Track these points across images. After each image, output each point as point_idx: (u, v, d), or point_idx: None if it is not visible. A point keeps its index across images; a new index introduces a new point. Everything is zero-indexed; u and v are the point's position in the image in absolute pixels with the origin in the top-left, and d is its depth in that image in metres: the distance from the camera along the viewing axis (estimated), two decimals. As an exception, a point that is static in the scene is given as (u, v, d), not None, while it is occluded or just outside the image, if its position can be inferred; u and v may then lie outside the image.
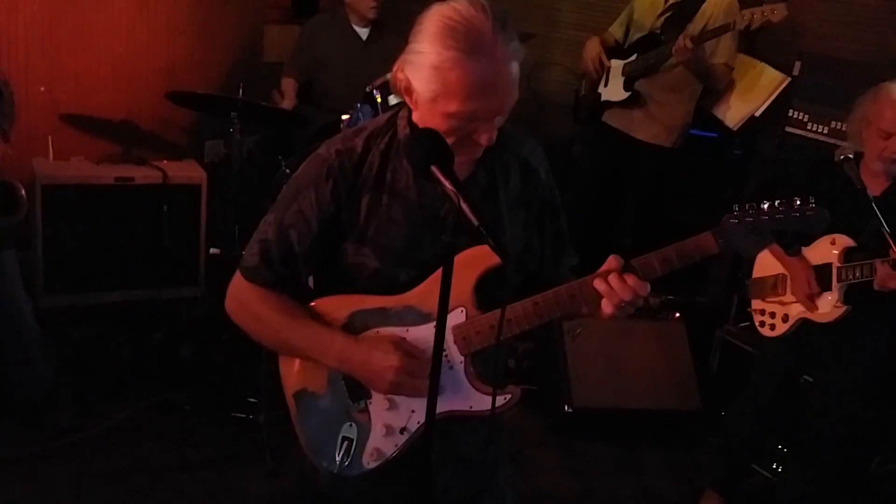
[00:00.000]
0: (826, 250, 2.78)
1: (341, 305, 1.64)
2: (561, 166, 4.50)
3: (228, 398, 3.34)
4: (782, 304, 2.91)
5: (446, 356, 1.58)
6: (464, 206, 1.36)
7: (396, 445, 1.63)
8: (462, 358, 1.60)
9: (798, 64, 3.60)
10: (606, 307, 1.51)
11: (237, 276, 1.68)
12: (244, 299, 1.66)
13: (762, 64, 3.91)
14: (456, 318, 1.57)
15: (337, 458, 1.65)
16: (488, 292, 1.57)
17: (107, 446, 3.14)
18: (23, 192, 2.86)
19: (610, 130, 4.01)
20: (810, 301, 2.78)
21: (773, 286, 2.95)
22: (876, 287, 2.54)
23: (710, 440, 3.48)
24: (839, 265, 2.73)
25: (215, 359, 3.59)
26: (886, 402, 3.11)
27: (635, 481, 3.44)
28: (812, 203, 1.47)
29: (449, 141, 1.46)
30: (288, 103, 4.14)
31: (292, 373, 1.71)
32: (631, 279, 1.49)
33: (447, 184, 1.39)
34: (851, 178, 2.66)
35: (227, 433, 3.25)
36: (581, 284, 1.54)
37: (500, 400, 1.57)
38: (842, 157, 2.70)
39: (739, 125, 3.91)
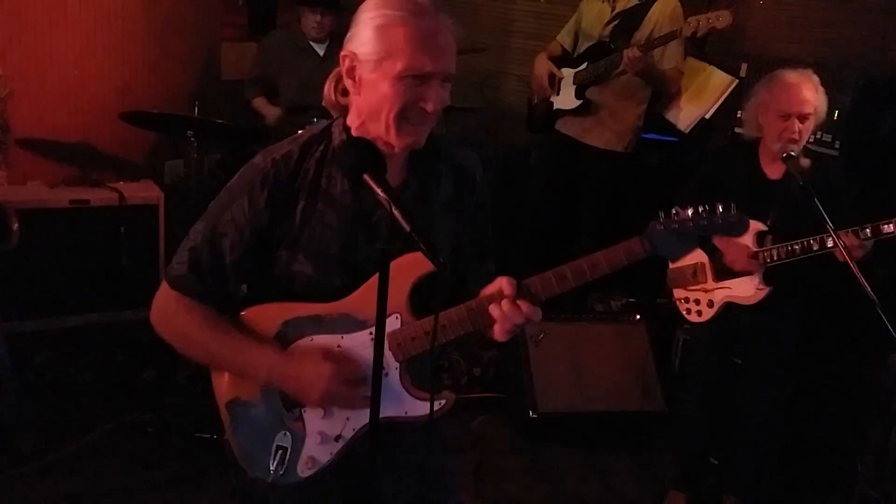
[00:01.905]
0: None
1: (274, 314, 1.64)
2: (518, 174, 4.58)
3: (192, 418, 3.32)
4: (705, 290, 3.02)
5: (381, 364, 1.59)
6: (396, 212, 1.38)
7: (331, 453, 1.64)
8: (397, 364, 1.62)
9: (744, 66, 3.68)
10: (499, 333, 1.55)
11: (163, 286, 1.65)
12: (170, 311, 1.63)
13: (711, 67, 3.99)
14: (391, 324, 1.59)
15: (271, 468, 1.65)
16: (423, 298, 1.58)
17: (71, 470, 3.10)
18: (16, 223, 2.83)
19: (564, 138, 4.06)
20: (755, 262, 2.85)
21: (693, 274, 3.06)
22: (841, 258, 2.59)
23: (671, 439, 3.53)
24: (756, 249, 2.85)
25: (178, 379, 3.57)
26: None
27: (602, 483, 3.46)
28: (733, 209, 1.51)
29: (396, 111, 1.48)
30: (273, 116, 4.16)
31: (224, 382, 1.70)
32: (524, 306, 1.51)
33: (379, 191, 1.41)
34: (793, 174, 2.73)
35: (191, 453, 3.23)
36: (477, 303, 1.56)
37: (435, 405, 1.59)
38: (784, 154, 2.77)
39: (690, 128, 3.98)
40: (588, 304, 4.16)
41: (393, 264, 1.46)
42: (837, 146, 3.39)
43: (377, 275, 1.48)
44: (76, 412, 3.41)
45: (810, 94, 2.78)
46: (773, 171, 2.89)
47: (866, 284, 2.47)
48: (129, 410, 3.43)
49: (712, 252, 2.94)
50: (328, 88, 1.62)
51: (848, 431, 3.31)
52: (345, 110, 1.62)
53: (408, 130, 1.52)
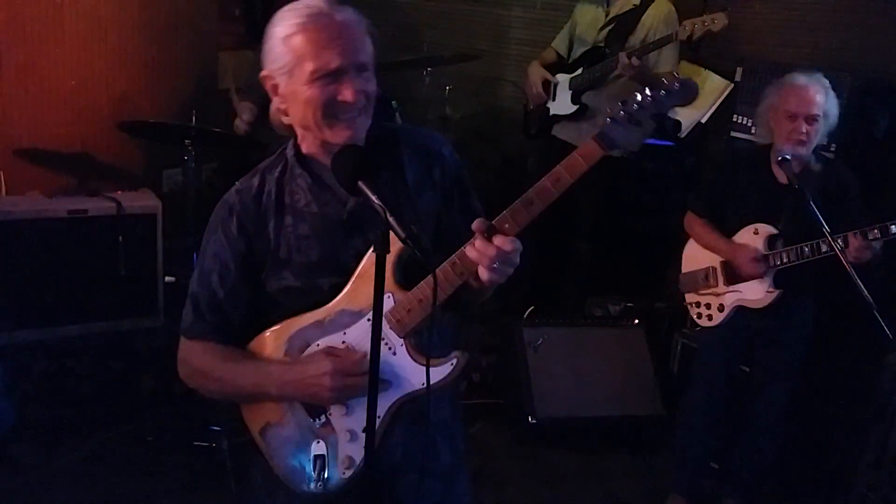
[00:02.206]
0: (751, 239, 2.93)
1: (278, 335, 1.68)
2: (516, 180, 4.59)
3: (190, 427, 3.33)
4: (716, 294, 3.04)
5: (386, 344, 1.62)
6: (391, 219, 1.40)
7: (364, 447, 1.65)
8: (402, 340, 1.64)
9: (740, 70, 3.69)
10: (482, 273, 1.54)
11: (181, 341, 1.72)
12: (188, 358, 1.71)
13: (706, 71, 4.01)
14: (386, 304, 1.60)
15: (314, 477, 1.67)
16: (407, 269, 1.61)
17: (70, 479, 3.12)
18: None
19: (561, 143, 4.07)
20: (761, 264, 2.87)
21: (704, 278, 3.08)
22: (851, 260, 2.61)
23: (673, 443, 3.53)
24: (766, 252, 2.87)
25: (177, 388, 3.57)
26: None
27: (602, 488, 3.47)
28: (675, 75, 1.53)
29: (322, 114, 1.53)
30: (243, 121, 4.15)
31: (252, 412, 1.74)
32: (497, 239, 1.52)
33: (374, 198, 1.43)
34: (787, 175, 2.76)
35: (190, 462, 3.24)
36: (458, 254, 1.57)
37: (446, 368, 1.61)
38: (780, 158, 2.79)
39: (687, 132, 4.00)
40: (587, 308, 4.16)
41: (372, 254, 1.49)
42: (833, 149, 3.40)
43: (362, 265, 1.60)
44: (75, 421, 3.42)
45: (819, 96, 2.80)
46: (783, 175, 2.88)
47: (862, 286, 2.49)
48: (127, 419, 3.44)
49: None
50: (272, 112, 1.66)
51: (845, 433, 3.32)
52: (290, 131, 1.67)
53: (340, 125, 1.56)
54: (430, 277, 1.45)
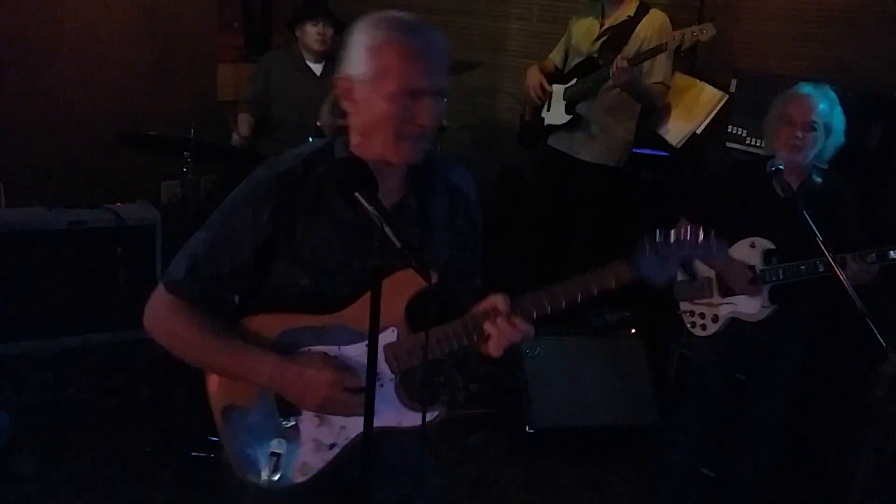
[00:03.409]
0: (747, 253, 2.91)
1: (273, 324, 1.66)
2: (513, 190, 4.62)
3: (189, 437, 3.33)
4: (711, 305, 3.03)
5: (377, 374, 1.61)
6: (387, 230, 1.40)
7: (325, 460, 1.67)
8: (393, 376, 1.65)
9: (734, 81, 3.72)
10: (494, 349, 1.59)
11: (159, 290, 1.67)
12: (165, 315, 1.65)
13: (701, 83, 4.04)
14: (388, 337, 1.62)
15: (265, 473, 1.67)
16: (421, 313, 1.61)
17: (70, 490, 3.12)
18: None
19: (556, 153, 4.10)
20: (754, 286, 2.87)
21: (699, 288, 3.06)
22: (850, 282, 2.60)
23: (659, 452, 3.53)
24: (763, 268, 2.86)
25: (175, 399, 3.58)
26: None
27: (600, 497, 3.47)
28: (713, 238, 1.57)
29: (393, 128, 1.53)
30: (241, 133, 4.18)
31: (219, 389, 1.72)
32: (519, 322, 1.57)
33: (370, 209, 1.44)
34: (779, 187, 2.77)
35: (188, 472, 3.24)
36: (472, 318, 1.60)
37: (428, 416, 1.63)
38: (772, 168, 2.80)
39: (682, 142, 4.02)
40: (584, 318, 4.17)
41: (391, 279, 1.50)
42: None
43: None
44: (73, 432, 3.43)
45: (821, 105, 2.78)
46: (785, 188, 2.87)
47: (856, 296, 2.49)
48: (126, 430, 3.45)
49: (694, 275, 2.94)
50: (325, 111, 1.66)
51: (843, 441, 3.32)
52: (341, 132, 1.66)
53: (406, 147, 1.56)
54: (439, 329, 1.51)
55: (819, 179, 2.87)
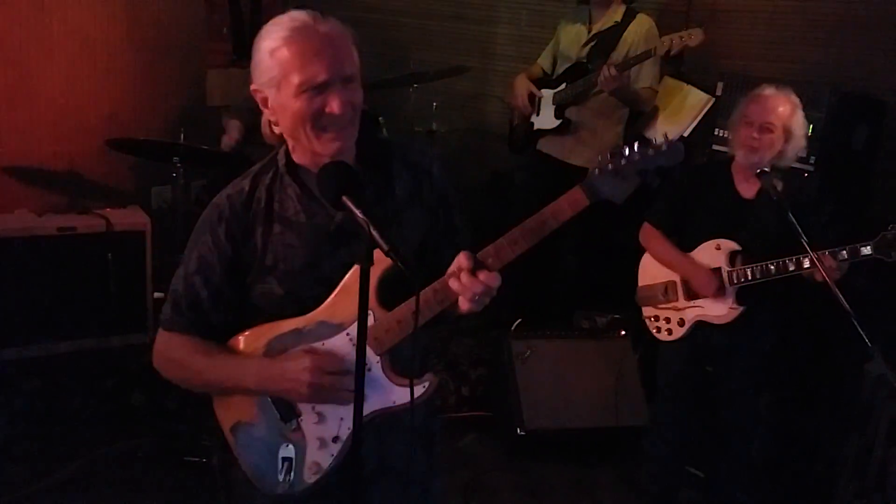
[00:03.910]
0: (713, 255, 2.91)
1: (257, 336, 1.72)
2: (503, 194, 4.64)
3: (181, 442, 3.34)
4: (676, 309, 3.01)
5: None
6: (374, 233, 1.43)
7: (332, 455, 1.70)
8: (378, 358, 1.68)
9: (720, 84, 3.75)
10: (463, 304, 1.59)
11: (158, 332, 1.76)
12: (165, 349, 1.74)
13: (688, 86, 4.08)
14: None
15: (280, 479, 1.71)
16: (389, 290, 1.64)
17: (62, 496, 3.12)
18: None
19: (546, 157, 4.13)
20: (720, 293, 2.88)
21: (664, 293, 3.06)
22: (819, 278, 2.63)
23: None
24: (729, 269, 2.86)
25: (167, 404, 3.58)
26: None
27: (591, 499, 3.49)
28: (665, 138, 1.56)
29: (309, 124, 1.56)
30: (230, 138, 4.18)
31: (225, 410, 1.78)
32: (482, 274, 1.56)
33: (358, 213, 1.46)
34: (768, 189, 2.78)
35: (181, 477, 3.25)
36: (441, 282, 1.61)
37: (419, 389, 1.66)
38: (759, 171, 2.81)
39: (670, 146, 4.05)
40: (574, 321, 4.20)
41: (356, 269, 1.53)
42: (812, 161, 3.45)
43: (345, 279, 1.63)
44: (66, 438, 3.43)
45: (780, 108, 2.80)
46: (747, 189, 2.90)
47: (843, 300, 2.49)
48: (118, 436, 3.45)
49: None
50: (263, 123, 1.70)
51: (829, 442, 3.35)
52: (281, 140, 1.70)
53: (328, 137, 1.59)
54: (411, 300, 1.49)
55: (780, 181, 2.84)
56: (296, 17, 1.59)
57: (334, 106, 1.56)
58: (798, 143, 2.86)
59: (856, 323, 2.46)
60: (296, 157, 1.68)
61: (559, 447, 3.68)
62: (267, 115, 1.65)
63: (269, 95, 1.60)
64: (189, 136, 3.66)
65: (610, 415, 3.70)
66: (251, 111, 4.72)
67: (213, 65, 5.05)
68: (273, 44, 1.57)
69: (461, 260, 1.58)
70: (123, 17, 4.48)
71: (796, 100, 2.86)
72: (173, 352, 1.73)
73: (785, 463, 3.44)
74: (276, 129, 1.66)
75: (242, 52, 5.19)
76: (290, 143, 1.68)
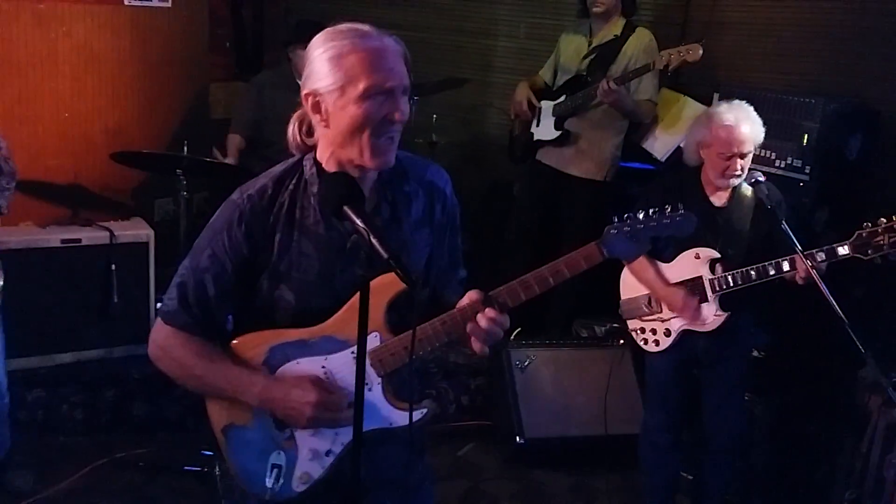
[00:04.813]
0: (693, 264, 2.94)
1: (261, 341, 1.72)
2: (503, 204, 4.67)
3: (183, 452, 3.36)
4: (662, 320, 3.04)
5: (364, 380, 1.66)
6: (374, 241, 1.46)
7: (323, 467, 1.72)
8: (379, 379, 1.71)
9: (716, 95, 3.78)
10: (476, 345, 1.66)
11: (158, 322, 1.74)
12: (165, 345, 1.73)
13: (685, 97, 4.12)
14: (371, 342, 1.67)
15: (268, 485, 1.72)
16: (400, 315, 1.67)
17: (64, 506, 3.15)
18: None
19: (545, 168, 4.17)
20: (698, 314, 2.92)
21: (647, 304, 3.08)
22: (800, 282, 2.68)
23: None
24: (711, 277, 2.90)
25: (169, 414, 3.61)
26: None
27: (589, 507, 3.51)
28: (680, 210, 1.66)
29: (370, 129, 1.57)
30: (230, 160, 4.22)
31: (218, 410, 1.77)
32: (494, 314, 1.62)
33: (358, 222, 1.49)
34: (762, 199, 2.82)
35: (183, 487, 3.27)
36: (450, 315, 1.66)
37: (416, 414, 1.69)
38: (752, 180, 2.85)
39: (666, 156, 4.09)
40: (573, 329, 4.22)
41: (370, 285, 1.53)
42: (808, 171, 3.49)
43: (356, 297, 1.57)
44: (68, 448, 3.46)
45: (748, 131, 2.82)
46: (718, 198, 2.94)
47: (837, 308, 2.52)
48: (120, 446, 3.48)
49: (665, 247, 2.96)
50: (292, 130, 1.70)
51: (825, 448, 3.36)
52: (309, 150, 1.71)
53: (380, 148, 1.60)
54: (419, 328, 1.54)
55: (748, 187, 2.90)
56: (358, 27, 1.62)
57: (399, 112, 1.59)
58: (759, 141, 2.90)
59: (849, 330, 2.49)
60: (327, 168, 1.67)
61: (558, 455, 3.70)
62: (314, 120, 1.64)
63: (327, 100, 1.59)
64: (192, 149, 3.69)
65: (609, 423, 3.71)
66: (254, 125, 4.80)
67: (215, 78, 5.10)
68: (335, 50, 1.58)
69: (472, 296, 1.62)
70: (127, 31, 4.53)
71: (748, 107, 2.90)
72: (174, 350, 1.71)
73: (781, 469, 3.45)
74: (309, 140, 1.67)
75: (245, 66, 5.25)
76: (325, 153, 1.66)
